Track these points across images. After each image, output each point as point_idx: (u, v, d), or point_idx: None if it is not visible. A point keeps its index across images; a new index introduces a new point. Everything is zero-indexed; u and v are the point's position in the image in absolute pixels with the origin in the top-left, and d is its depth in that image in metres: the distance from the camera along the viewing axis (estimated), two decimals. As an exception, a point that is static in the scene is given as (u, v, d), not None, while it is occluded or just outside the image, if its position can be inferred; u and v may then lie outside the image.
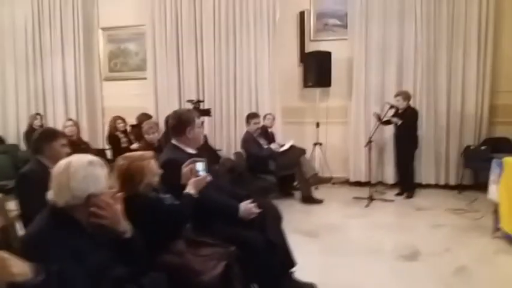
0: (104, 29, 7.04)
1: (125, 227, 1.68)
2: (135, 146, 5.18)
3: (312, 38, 6.47)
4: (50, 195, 1.59)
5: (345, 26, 6.30)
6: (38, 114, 6.58)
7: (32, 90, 7.00)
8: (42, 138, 2.75)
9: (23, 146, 6.57)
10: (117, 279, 1.58)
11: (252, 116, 5.42)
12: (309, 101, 6.48)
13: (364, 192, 5.43)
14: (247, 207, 2.55)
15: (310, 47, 6.39)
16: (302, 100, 6.57)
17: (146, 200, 2.09)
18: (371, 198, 5.21)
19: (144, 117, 5.87)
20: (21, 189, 2.59)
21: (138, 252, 1.71)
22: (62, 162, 1.63)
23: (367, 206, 5.10)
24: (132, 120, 6.08)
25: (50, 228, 1.49)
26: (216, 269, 1.95)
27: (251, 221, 2.55)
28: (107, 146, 5.96)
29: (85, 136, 6.65)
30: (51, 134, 2.78)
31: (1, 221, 2.39)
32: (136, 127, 5.87)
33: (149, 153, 2.25)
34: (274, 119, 5.85)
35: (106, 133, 6.14)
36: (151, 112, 6.42)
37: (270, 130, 5.76)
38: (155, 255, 1.93)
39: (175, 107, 6.21)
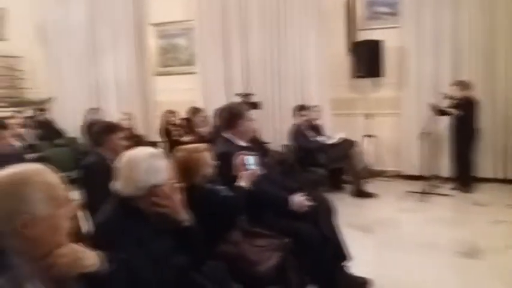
0: (154, 24, 7.23)
1: (185, 216, 1.73)
2: (186, 138, 5.31)
3: (360, 27, 6.30)
4: (116, 186, 1.66)
5: (396, 14, 6.08)
6: (94, 108, 6.90)
7: (88, 86, 7.32)
8: (102, 132, 2.88)
9: (81, 139, 6.91)
10: (180, 267, 1.63)
11: (299, 109, 5.37)
12: (359, 92, 6.33)
13: (418, 186, 5.23)
14: (299, 199, 2.55)
15: (358, 36, 6.23)
16: (351, 91, 6.43)
17: (202, 191, 2.15)
18: (425, 192, 5.02)
19: (194, 110, 5.99)
20: (85, 180, 2.74)
21: (197, 241, 1.76)
22: (127, 155, 1.71)
23: (421, 200, 4.92)
24: (182, 113, 6.23)
25: (118, 218, 1.57)
26: (272, 259, 1.97)
27: (304, 214, 2.54)
28: (159, 139, 6.14)
29: (138, 129, 6.91)
30: (110, 128, 2.91)
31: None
32: (187, 120, 6.02)
33: (204, 146, 2.30)
34: (320, 111, 5.77)
35: (158, 126, 6.33)
36: (200, 105, 6.54)
37: (317, 123, 5.69)
38: (212, 244, 1.98)
39: (223, 101, 6.28)
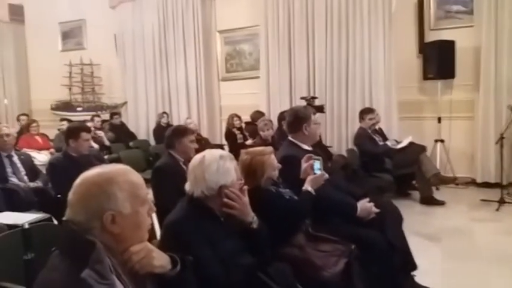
0: (220, 31, 7.45)
1: (253, 217, 1.78)
2: (249, 142, 5.41)
3: (432, 27, 6.03)
4: (188, 186, 1.75)
5: (471, 12, 5.75)
6: (164, 112, 7.27)
7: (159, 91, 7.71)
8: (174, 135, 3.03)
9: (152, 141, 7.30)
10: (247, 267, 1.67)
11: (366, 112, 5.23)
12: (430, 94, 6.04)
13: (494, 194, 4.88)
14: (366, 206, 2.50)
15: (430, 37, 5.96)
16: (421, 93, 6.16)
17: (267, 194, 2.18)
18: (502, 201, 4.67)
19: (258, 114, 6.09)
20: (157, 181, 2.89)
21: (263, 243, 1.80)
22: (197, 157, 1.79)
23: (497, 209, 4.59)
24: (246, 117, 6.35)
25: (190, 217, 1.65)
26: (337, 265, 1.95)
27: (370, 220, 2.49)
28: (224, 142, 6.31)
29: (204, 132, 7.16)
30: (181, 131, 3.06)
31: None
32: (251, 124, 6.12)
33: (269, 149, 2.34)
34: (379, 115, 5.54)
35: (224, 130, 6.50)
36: (263, 110, 6.62)
37: (378, 126, 5.50)
38: (277, 246, 2.00)
39: (287, 105, 6.32)
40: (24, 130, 6.62)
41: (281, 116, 5.26)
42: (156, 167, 2.99)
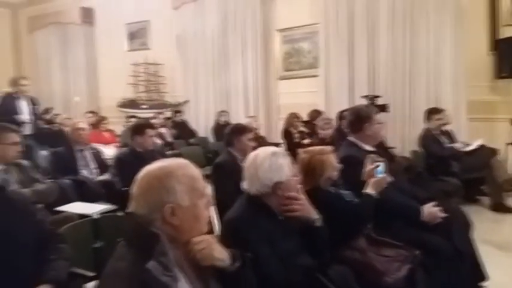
0: (279, 30, 7.44)
1: (316, 215, 1.75)
2: (307, 141, 5.35)
3: (506, 23, 5.60)
4: (245, 184, 1.76)
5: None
6: (223, 111, 7.40)
7: (218, 90, 7.87)
8: (233, 133, 3.08)
9: (211, 139, 7.46)
10: (306, 267, 1.65)
11: (434, 112, 4.95)
12: (503, 94, 5.61)
13: None
14: (432, 210, 2.36)
15: (504, 33, 5.54)
16: (493, 93, 5.74)
17: (326, 194, 2.13)
18: None
19: (316, 113, 6.01)
20: (216, 177, 2.94)
21: (324, 243, 1.76)
22: (251, 155, 1.79)
23: None
24: (304, 116, 6.29)
25: (248, 215, 1.65)
26: (400, 271, 1.86)
27: (435, 226, 2.35)
28: (281, 141, 6.29)
29: (262, 131, 7.19)
30: (240, 129, 3.10)
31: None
32: (309, 123, 6.05)
33: (329, 148, 2.29)
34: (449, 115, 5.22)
35: (281, 128, 6.48)
36: (321, 108, 6.52)
37: (447, 128, 5.18)
38: (336, 249, 1.95)
39: (345, 104, 6.18)
40: (94, 126, 7.04)
41: (341, 115, 5.14)
42: (215, 164, 3.05)
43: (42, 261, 1.68)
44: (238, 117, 7.41)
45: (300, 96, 7.04)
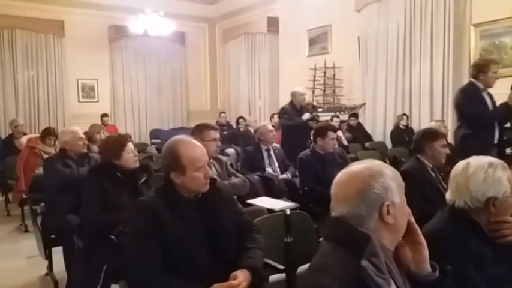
0: (475, 25, 6.62)
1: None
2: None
3: None
4: (448, 195, 1.60)
5: None
6: (404, 114, 7.00)
7: (400, 92, 7.43)
8: (424, 138, 2.88)
9: (388, 143, 7.13)
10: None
11: None
12: None
13: None
14: None
15: None
16: None
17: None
18: None
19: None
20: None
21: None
22: (461, 163, 1.62)
23: None
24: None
25: (451, 229, 1.50)
26: None
27: None
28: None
29: (449, 137, 6.52)
30: (433, 135, 2.87)
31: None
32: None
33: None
34: None
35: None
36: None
37: None
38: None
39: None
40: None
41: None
42: (402, 171, 2.87)
43: (240, 248, 1.83)
44: (421, 121, 6.91)
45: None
